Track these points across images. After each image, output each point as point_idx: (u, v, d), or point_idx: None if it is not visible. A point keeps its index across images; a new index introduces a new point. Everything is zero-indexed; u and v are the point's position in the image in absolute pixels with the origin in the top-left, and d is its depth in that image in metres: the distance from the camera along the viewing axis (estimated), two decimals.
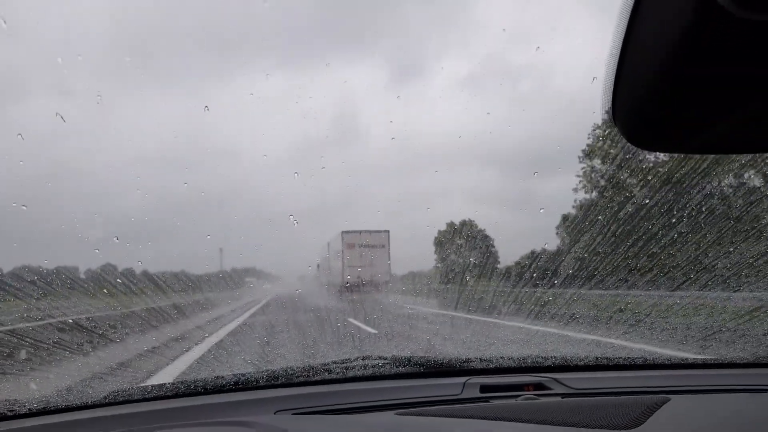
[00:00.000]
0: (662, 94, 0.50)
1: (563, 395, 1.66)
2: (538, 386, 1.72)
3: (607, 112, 0.56)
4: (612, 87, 0.52)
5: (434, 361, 1.93)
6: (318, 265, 31.67)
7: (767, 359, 2.04)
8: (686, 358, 2.18)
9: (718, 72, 0.46)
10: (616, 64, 0.50)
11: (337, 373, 1.82)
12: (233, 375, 1.80)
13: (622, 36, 0.48)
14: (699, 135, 0.55)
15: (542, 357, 2.00)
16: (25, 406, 1.59)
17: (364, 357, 2.00)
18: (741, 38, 0.43)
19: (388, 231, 23.49)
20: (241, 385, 1.75)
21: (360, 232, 23.69)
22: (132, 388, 1.74)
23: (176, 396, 1.69)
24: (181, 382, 1.75)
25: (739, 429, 1.27)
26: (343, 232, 23.40)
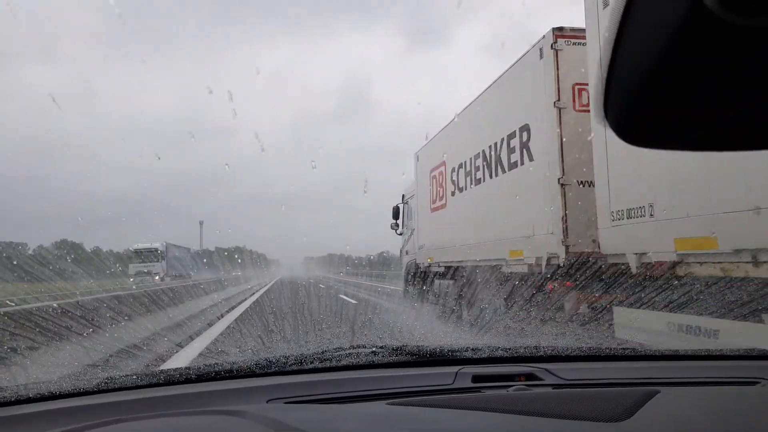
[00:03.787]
0: (654, 91, 0.54)
1: (554, 386, 1.74)
2: (530, 376, 1.80)
3: (599, 108, 0.60)
4: (604, 83, 0.56)
5: (427, 350, 2.04)
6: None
7: (757, 352, 2.16)
8: (677, 350, 2.26)
9: (708, 71, 0.50)
10: (609, 60, 0.54)
11: (330, 361, 1.96)
12: (227, 363, 1.93)
13: (615, 32, 0.52)
14: (691, 132, 0.59)
15: (534, 347, 2.07)
16: (14, 392, 1.67)
17: (357, 345, 2.15)
18: (729, 41, 0.47)
19: None
20: (234, 373, 1.87)
21: None
22: (123, 375, 1.84)
23: (168, 384, 1.80)
24: (173, 370, 1.90)
25: (728, 421, 1.31)
26: None
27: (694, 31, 0.46)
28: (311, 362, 1.95)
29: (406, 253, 13.03)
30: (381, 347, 2.09)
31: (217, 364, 1.96)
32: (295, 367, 1.92)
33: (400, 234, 13.62)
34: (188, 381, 1.84)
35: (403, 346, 2.06)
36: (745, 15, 0.42)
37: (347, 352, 2.05)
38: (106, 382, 1.79)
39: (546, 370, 1.83)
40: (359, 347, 2.13)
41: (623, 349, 2.18)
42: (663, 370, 1.96)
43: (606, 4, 5.20)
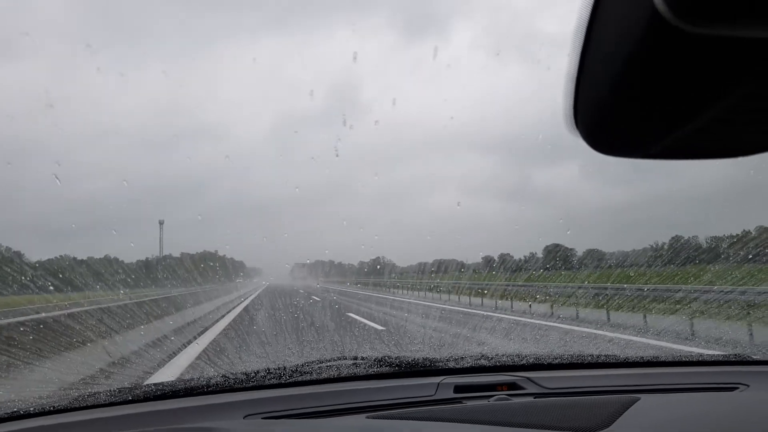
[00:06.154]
0: (622, 101, 0.55)
1: (536, 395, 1.79)
2: (512, 386, 1.84)
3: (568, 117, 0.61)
4: (573, 93, 0.58)
5: (409, 360, 2.06)
6: None
7: (736, 357, 2.25)
8: (658, 356, 2.33)
9: (673, 81, 0.52)
10: (576, 70, 0.56)
11: (310, 374, 1.96)
12: (203, 378, 1.93)
13: (581, 43, 0.53)
14: (660, 141, 0.60)
15: (517, 355, 2.12)
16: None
17: (338, 357, 2.15)
18: (690, 50, 0.48)
19: None
20: (210, 388, 1.85)
21: None
22: (99, 392, 1.83)
23: (144, 400, 1.78)
24: (147, 386, 1.89)
25: (707, 427, 1.37)
26: None
27: (656, 41, 0.47)
28: (290, 376, 1.94)
29: None
30: (362, 359, 2.10)
31: (192, 379, 1.94)
32: (273, 381, 1.91)
33: None
34: (163, 397, 1.82)
35: (385, 357, 2.08)
36: (700, 25, 0.44)
37: (327, 364, 2.06)
38: (78, 400, 1.78)
39: (528, 379, 1.86)
40: (340, 359, 2.13)
41: (605, 356, 2.24)
42: (644, 377, 2.02)
43: None
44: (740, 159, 0.65)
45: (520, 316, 14.94)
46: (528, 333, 11.16)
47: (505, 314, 15.75)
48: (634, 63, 0.50)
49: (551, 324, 12.72)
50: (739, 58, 0.48)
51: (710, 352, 7.61)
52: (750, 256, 15.49)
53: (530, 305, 16.67)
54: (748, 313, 10.50)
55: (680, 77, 0.50)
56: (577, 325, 12.60)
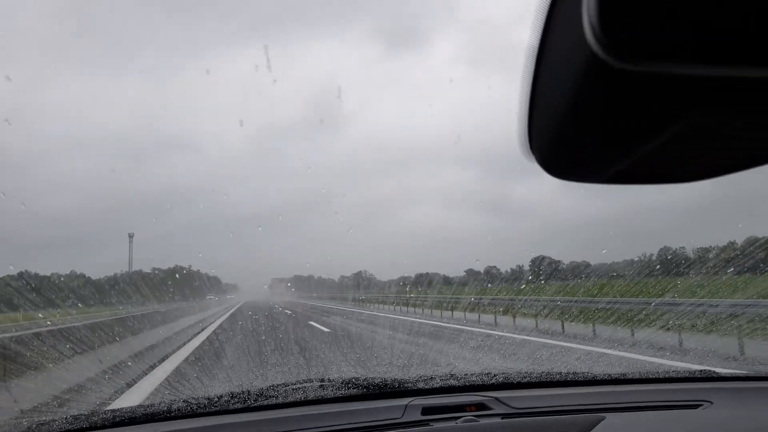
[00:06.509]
0: (571, 130, 0.57)
1: (503, 416, 1.77)
2: (480, 406, 1.83)
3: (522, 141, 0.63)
4: (527, 118, 0.59)
5: (377, 382, 2.03)
6: None
7: (702, 373, 2.28)
8: (625, 374, 2.27)
9: (617, 113, 0.53)
10: (529, 96, 0.57)
11: (276, 398, 1.92)
12: (164, 402, 1.88)
13: (532, 70, 0.55)
14: (613, 167, 0.62)
15: (486, 374, 2.11)
16: None
17: (305, 380, 2.12)
18: (630, 85, 0.49)
19: None
20: (173, 413, 1.81)
21: None
22: (54, 419, 1.79)
23: (101, 427, 1.75)
24: (105, 412, 1.84)
25: None
26: None
27: (597, 77, 0.49)
28: (255, 399, 1.90)
29: None
30: (329, 381, 2.07)
31: (152, 405, 1.90)
32: (238, 406, 1.86)
33: None
34: (121, 424, 1.76)
35: (354, 378, 2.05)
36: (634, 63, 0.45)
37: (293, 387, 2.02)
38: (30, 429, 1.73)
39: (496, 399, 1.85)
40: (307, 381, 2.10)
41: (573, 374, 2.25)
42: (611, 395, 2.02)
43: None
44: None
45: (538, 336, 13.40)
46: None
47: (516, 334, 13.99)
48: (580, 96, 0.52)
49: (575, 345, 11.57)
50: (679, 92, 0.50)
51: (680, 365, 7.68)
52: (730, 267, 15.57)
53: (562, 324, 15.02)
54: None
55: (624, 109, 0.52)
56: (562, 340, 12.12)
